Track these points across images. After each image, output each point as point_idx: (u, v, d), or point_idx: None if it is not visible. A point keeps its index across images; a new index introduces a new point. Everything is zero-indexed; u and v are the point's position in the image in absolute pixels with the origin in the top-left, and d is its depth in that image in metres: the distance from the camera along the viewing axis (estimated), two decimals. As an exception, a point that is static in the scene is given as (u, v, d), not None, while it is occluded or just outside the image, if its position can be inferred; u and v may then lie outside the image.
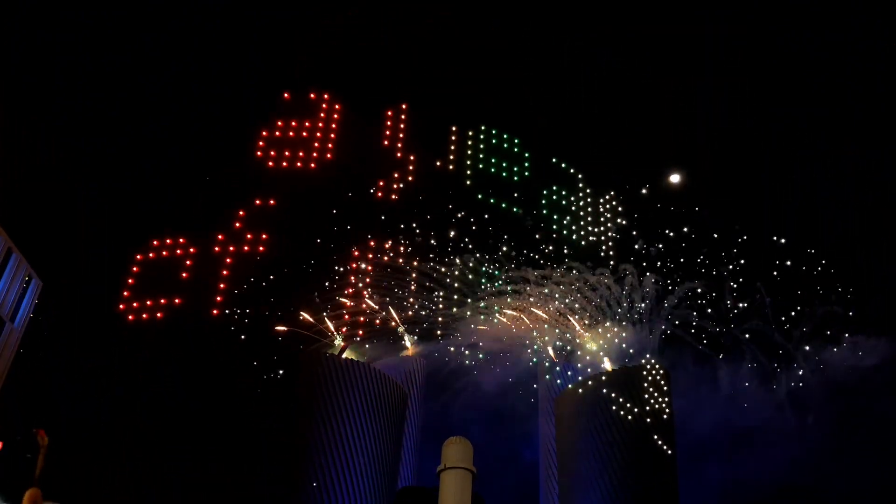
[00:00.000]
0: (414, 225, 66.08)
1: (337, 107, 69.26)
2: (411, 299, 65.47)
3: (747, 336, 66.52)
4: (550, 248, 68.99)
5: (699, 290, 67.00)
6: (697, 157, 69.41)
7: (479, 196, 69.21)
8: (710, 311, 67.10)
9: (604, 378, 64.22)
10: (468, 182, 69.70)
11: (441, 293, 65.68)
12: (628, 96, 74.34)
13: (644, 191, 71.45)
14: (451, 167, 69.73)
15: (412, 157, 68.64)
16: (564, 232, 70.40)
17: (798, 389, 64.13)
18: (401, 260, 65.15)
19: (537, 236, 69.09)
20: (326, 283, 63.66)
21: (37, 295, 52.57)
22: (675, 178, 68.33)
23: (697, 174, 69.11)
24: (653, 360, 65.36)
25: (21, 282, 51.41)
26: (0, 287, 49.51)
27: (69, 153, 54.62)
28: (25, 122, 54.13)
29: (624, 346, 66.55)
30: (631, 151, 72.50)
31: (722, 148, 68.83)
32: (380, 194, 66.91)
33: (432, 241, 65.87)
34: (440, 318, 65.88)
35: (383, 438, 59.29)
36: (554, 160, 73.07)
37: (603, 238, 71.44)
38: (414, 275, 65.50)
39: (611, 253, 70.45)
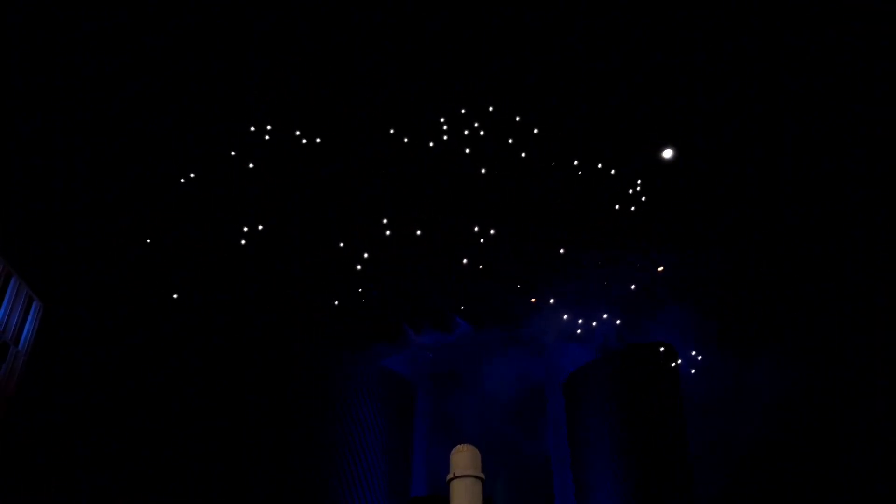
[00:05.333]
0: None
1: None
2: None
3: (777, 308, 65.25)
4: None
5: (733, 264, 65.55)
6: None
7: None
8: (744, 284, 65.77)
9: (612, 358, 64.33)
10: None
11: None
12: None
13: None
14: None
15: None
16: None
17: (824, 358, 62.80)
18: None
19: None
20: None
21: (39, 317, 52.68)
22: (667, 154, 65.94)
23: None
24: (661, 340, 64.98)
25: (22, 305, 51.54)
26: (2, 311, 49.61)
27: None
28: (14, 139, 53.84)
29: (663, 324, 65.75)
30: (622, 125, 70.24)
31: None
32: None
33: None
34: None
35: (392, 434, 59.58)
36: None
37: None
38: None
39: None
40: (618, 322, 65.48)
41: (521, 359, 66.54)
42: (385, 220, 63.70)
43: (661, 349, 64.01)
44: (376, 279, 64.04)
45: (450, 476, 31.70)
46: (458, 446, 32.21)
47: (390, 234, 63.83)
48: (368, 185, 64.23)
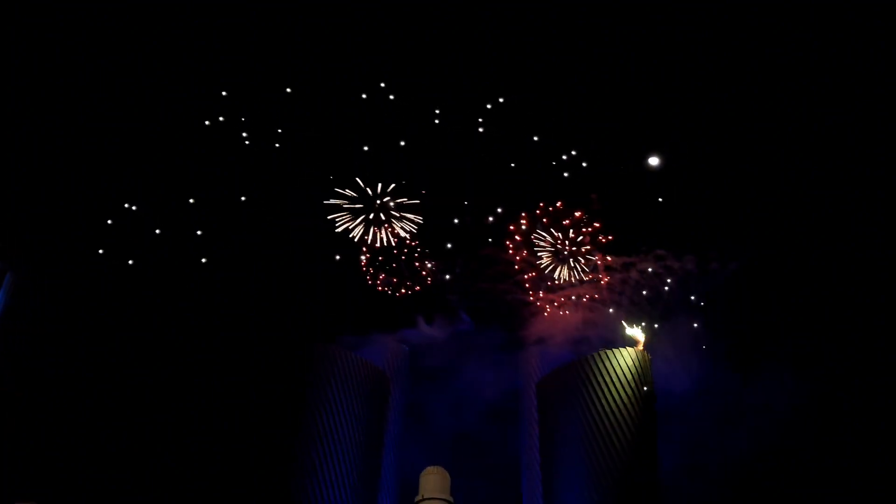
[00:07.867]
0: None
1: None
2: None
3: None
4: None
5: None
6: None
7: None
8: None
9: (586, 361, 64.51)
10: None
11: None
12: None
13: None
14: None
15: None
16: None
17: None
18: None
19: None
20: None
21: (11, 285, 51.99)
22: (653, 161, 64.89)
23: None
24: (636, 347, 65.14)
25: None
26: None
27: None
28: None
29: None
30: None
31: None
32: None
33: None
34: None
35: (364, 425, 59.47)
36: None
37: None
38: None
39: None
40: (623, 328, 65.52)
41: (497, 359, 66.57)
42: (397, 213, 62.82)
43: (633, 354, 64.29)
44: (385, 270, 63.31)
45: (418, 498, 31.98)
46: (429, 468, 32.36)
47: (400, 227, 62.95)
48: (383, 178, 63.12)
